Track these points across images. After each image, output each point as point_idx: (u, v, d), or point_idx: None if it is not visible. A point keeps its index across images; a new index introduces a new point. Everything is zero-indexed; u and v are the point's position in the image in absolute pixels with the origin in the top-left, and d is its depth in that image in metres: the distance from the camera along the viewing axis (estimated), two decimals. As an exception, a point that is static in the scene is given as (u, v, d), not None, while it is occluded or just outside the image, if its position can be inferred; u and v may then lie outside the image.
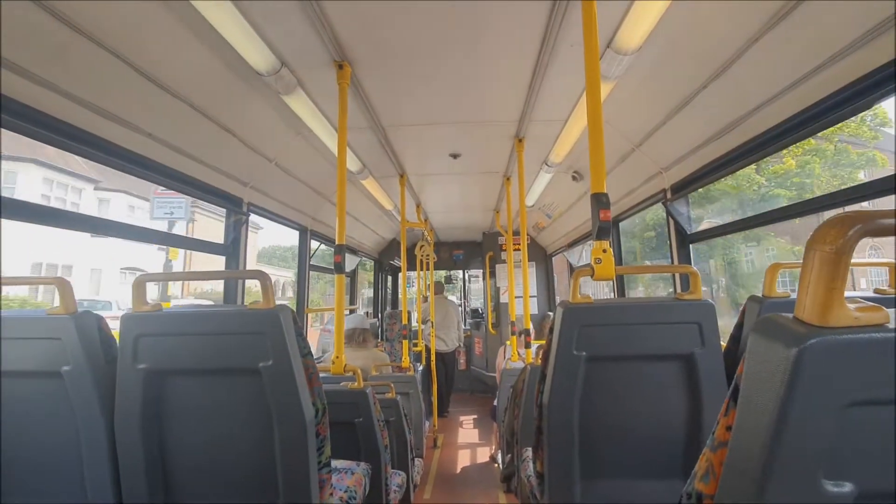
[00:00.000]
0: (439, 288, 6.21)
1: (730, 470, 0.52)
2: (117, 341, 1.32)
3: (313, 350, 1.69)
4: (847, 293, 0.47)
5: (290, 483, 1.25)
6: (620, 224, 3.60)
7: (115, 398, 1.27)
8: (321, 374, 2.09)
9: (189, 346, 1.28)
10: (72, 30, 1.44)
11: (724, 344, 1.54)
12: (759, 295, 1.56)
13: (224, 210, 2.72)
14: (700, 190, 2.53)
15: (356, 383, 2.04)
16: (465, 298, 8.61)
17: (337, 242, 2.19)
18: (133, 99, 1.79)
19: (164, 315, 1.29)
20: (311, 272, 3.89)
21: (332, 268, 2.27)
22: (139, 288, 1.32)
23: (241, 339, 1.26)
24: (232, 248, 2.73)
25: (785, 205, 1.96)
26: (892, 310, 0.49)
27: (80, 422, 1.27)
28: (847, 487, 0.45)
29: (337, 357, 2.16)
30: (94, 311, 1.32)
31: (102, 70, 1.62)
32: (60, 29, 1.42)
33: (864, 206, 1.62)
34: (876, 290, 1.52)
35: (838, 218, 0.46)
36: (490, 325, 6.57)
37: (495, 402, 4.16)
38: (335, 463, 1.86)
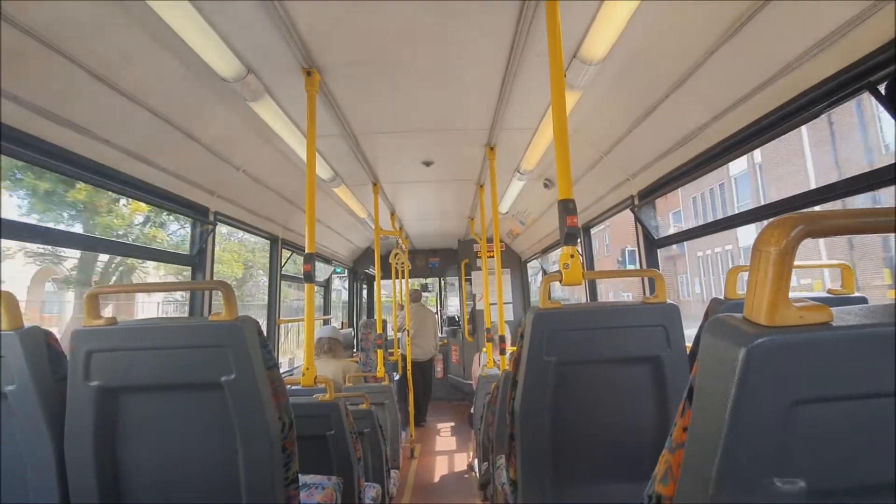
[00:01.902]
0: (417, 296, 6.16)
1: (686, 471, 0.53)
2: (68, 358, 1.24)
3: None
4: (804, 294, 0.48)
5: (256, 502, 1.21)
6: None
7: (64, 419, 1.20)
8: (293, 387, 2.03)
9: (146, 362, 1.22)
10: (21, 32, 1.37)
11: (689, 346, 1.57)
12: (722, 297, 1.61)
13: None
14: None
15: (327, 395, 1.99)
16: (440, 306, 8.54)
17: (306, 251, 2.14)
18: (88, 104, 1.72)
19: (118, 329, 1.23)
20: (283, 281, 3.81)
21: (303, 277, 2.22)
22: (91, 301, 1.25)
23: (201, 352, 1.20)
24: (198, 258, 2.64)
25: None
26: (837, 308, 0.50)
27: (25, 445, 1.19)
28: (798, 485, 0.45)
29: (307, 368, 2.11)
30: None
31: (54, 73, 1.54)
32: (8, 31, 1.35)
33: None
34: (829, 291, 1.59)
35: (780, 220, 0.47)
36: (466, 333, 6.55)
37: (472, 410, 4.14)
38: (305, 478, 1.80)
